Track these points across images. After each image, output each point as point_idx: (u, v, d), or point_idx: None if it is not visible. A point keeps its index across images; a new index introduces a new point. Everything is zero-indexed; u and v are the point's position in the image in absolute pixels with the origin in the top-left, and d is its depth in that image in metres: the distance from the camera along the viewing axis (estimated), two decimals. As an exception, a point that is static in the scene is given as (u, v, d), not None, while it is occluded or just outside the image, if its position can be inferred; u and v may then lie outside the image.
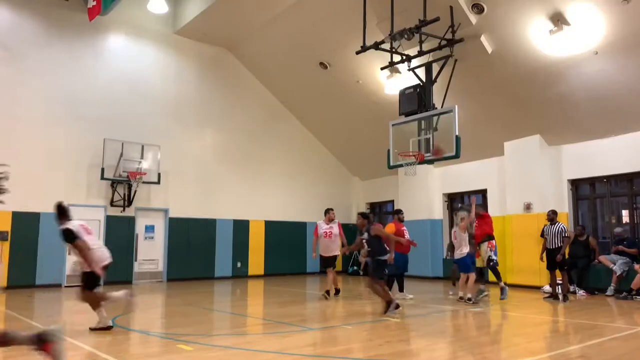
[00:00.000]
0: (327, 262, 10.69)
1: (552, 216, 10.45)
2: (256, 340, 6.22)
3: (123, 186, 13.63)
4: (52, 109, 12.95)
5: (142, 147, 13.82)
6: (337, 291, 10.83)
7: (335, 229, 10.72)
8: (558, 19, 9.83)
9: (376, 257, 8.21)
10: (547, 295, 10.56)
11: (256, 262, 16.15)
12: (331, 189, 18.27)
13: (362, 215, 8.74)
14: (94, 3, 12.43)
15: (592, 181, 12.26)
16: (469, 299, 9.43)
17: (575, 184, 12.54)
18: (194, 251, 14.81)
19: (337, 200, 18.44)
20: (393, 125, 11.14)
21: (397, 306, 8.11)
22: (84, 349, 5.60)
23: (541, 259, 10.79)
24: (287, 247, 16.83)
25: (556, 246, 10.10)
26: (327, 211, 10.94)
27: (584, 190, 12.57)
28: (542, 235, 10.71)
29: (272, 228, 16.59)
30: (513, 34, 10.67)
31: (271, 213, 16.68)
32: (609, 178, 11.88)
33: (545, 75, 11.03)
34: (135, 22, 14.50)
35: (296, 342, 6.04)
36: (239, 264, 15.73)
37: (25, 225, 12.26)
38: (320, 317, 8.67)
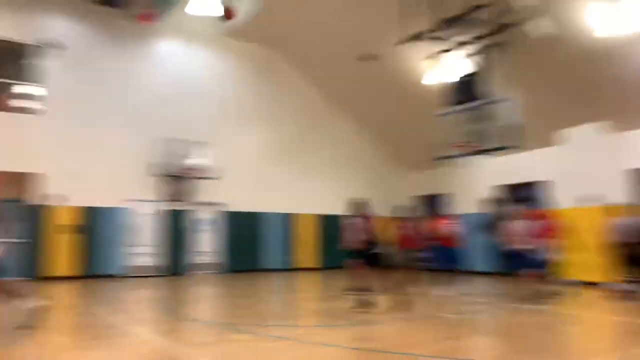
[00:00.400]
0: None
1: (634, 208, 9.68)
2: (310, 332, 6.29)
3: (178, 182, 14.14)
4: (113, 111, 13.70)
5: (197, 145, 14.31)
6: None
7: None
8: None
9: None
10: (625, 291, 9.79)
11: (307, 255, 16.37)
12: (381, 181, 18.21)
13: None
14: (147, 10, 13.00)
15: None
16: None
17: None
18: (248, 244, 15.22)
19: (387, 193, 18.39)
20: (440, 115, 10.91)
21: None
22: (143, 337, 5.89)
23: (614, 254, 9.85)
24: (338, 240, 16.88)
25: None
26: None
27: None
28: (614, 229, 9.64)
29: (323, 221, 16.75)
30: (570, 17, 10.21)
31: (321, 206, 16.83)
32: None
33: (607, 57, 10.43)
34: (188, 26, 14.98)
35: (352, 335, 6.05)
36: (288, 257, 15.96)
37: (96, 219, 12.99)
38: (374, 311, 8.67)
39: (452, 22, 9.62)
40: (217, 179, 14.35)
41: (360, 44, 14.07)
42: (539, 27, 10.53)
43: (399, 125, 16.43)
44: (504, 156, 13.74)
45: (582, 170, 12.12)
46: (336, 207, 17.07)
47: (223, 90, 15.59)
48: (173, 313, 7.66)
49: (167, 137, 13.93)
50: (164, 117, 14.25)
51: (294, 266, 16.01)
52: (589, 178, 11.98)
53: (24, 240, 12.37)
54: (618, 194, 11.62)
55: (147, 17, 13.11)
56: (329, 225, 16.77)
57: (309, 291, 11.85)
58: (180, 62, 15.00)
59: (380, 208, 15.36)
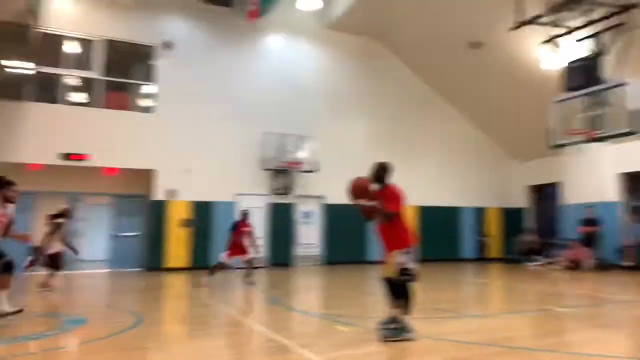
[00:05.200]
0: None
1: None
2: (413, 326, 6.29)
3: (283, 176, 14.63)
4: (220, 107, 14.36)
5: (300, 138, 14.70)
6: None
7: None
8: None
9: None
10: None
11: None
12: (487, 172, 17.55)
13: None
14: (254, 7, 13.55)
15: None
16: None
17: None
18: (349, 236, 15.34)
19: (495, 183, 17.66)
20: (557, 101, 10.35)
21: None
22: (246, 325, 6.21)
23: None
24: (442, 233, 16.58)
25: None
26: None
27: None
28: None
29: (426, 213, 16.44)
30: None
31: (425, 198, 16.52)
32: None
33: None
34: (290, 21, 15.40)
35: (454, 329, 6.00)
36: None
37: (203, 213, 13.83)
38: (479, 304, 8.47)
39: (569, 5, 9.00)
40: (316, 171, 14.62)
41: (471, 30, 13.57)
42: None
43: (511, 112, 15.62)
44: (628, 142, 12.72)
45: None
46: (441, 198, 16.79)
47: (326, 83, 15.83)
48: (282, 304, 7.98)
49: (273, 132, 14.43)
50: (270, 112, 14.77)
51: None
52: None
53: (137, 234, 13.60)
54: None
55: (255, 13, 13.67)
56: (434, 217, 16.44)
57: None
58: (285, 57, 15.43)
59: (491, 199, 14.89)
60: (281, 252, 14.62)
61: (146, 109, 14.13)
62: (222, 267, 9.92)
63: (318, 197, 15.26)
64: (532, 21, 10.07)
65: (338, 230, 15.22)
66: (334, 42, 15.96)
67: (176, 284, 11.11)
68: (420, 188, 16.46)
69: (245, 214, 10.30)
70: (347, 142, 15.69)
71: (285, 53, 15.48)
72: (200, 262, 13.06)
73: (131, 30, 13.75)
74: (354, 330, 5.78)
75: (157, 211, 13.39)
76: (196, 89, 14.16)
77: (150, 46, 13.93)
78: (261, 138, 14.35)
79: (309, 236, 15.23)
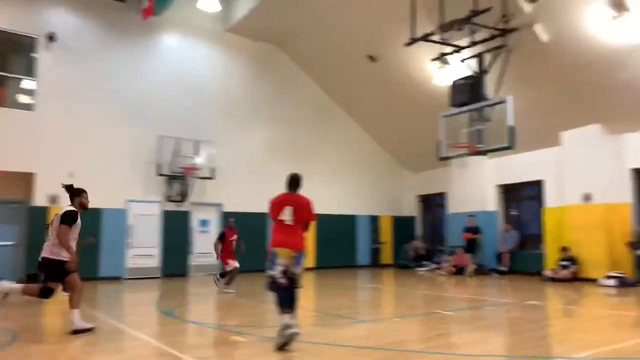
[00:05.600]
0: None
1: None
2: (307, 332, 6.32)
3: (178, 182, 14.10)
4: (110, 107, 13.49)
5: (196, 143, 14.23)
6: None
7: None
8: (618, 5, 9.36)
9: None
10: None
11: (310, 256, 16.30)
12: (381, 181, 18.26)
13: None
14: (148, 3, 12.95)
15: (657, 170, 11.65)
16: None
17: (639, 173, 11.94)
18: (247, 245, 15.08)
19: (388, 193, 18.41)
20: (444, 116, 11.03)
21: None
22: (142, 339, 5.87)
23: None
24: (338, 240, 16.92)
25: None
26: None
27: (648, 180, 11.96)
28: None
29: (322, 221, 16.66)
30: (570, 22, 10.26)
31: (321, 206, 16.71)
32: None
33: (605, 63, 10.53)
34: (188, 21, 14.93)
35: (347, 334, 6.10)
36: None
37: (88, 220, 12.88)
38: (371, 309, 8.72)
39: (456, 25, 9.68)
40: (214, 178, 14.28)
41: (369, 43, 14.02)
42: (538, 33, 10.58)
43: (404, 125, 16.36)
44: (506, 156, 13.91)
45: (585, 169, 12.23)
46: (338, 207, 17.14)
47: (225, 88, 15.50)
48: (176, 316, 7.65)
49: (169, 135, 13.84)
50: (166, 114, 14.17)
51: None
52: (591, 177, 12.09)
53: (13, 243, 12.37)
54: (620, 192, 11.83)
55: (150, 10, 13.06)
56: (330, 225, 16.74)
57: (308, 290, 11.83)
58: (182, 58, 14.86)
59: (384, 208, 15.40)
60: (176, 262, 14.04)
61: (26, 106, 12.90)
62: (232, 272, 10.37)
63: (215, 204, 14.89)
64: (424, 38, 10.66)
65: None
66: (234, 46, 15.73)
67: (59, 297, 10.21)
68: (317, 196, 16.63)
69: (231, 224, 10.79)
70: (245, 148, 15.50)
71: (183, 54, 14.93)
72: (88, 273, 12.15)
73: (10, 19, 12.50)
74: (250, 340, 5.67)
75: (36, 218, 12.23)
76: (83, 87, 13.17)
77: (32, 37, 12.74)
78: (156, 142, 13.69)
79: (206, 245, 14.76)
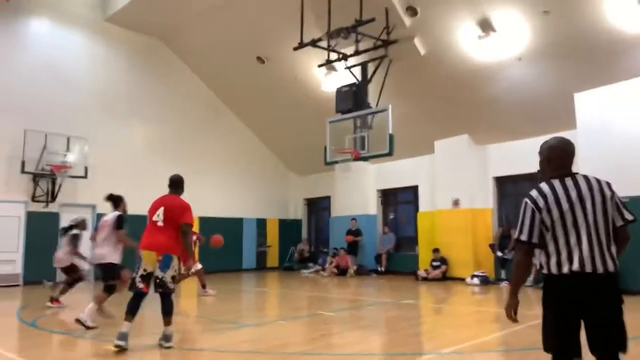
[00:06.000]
0: None
1: None
2: (190, 339, 6.13)
3: (46, 180, 12.91)
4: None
5: (68, 139, 13.14)
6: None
7: None
8: (486, 25, 10.32)
9: None
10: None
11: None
12: (268, 184, 18.24)
13: None
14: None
15: (515, 179, 12.96)
16: None
17: (499, 181, 13.22)
18: (127, 250, 14.27)
19: (275, 196, 18.45)
20: (330, 122, 11.32)
21: None
22: (2, 355, 5.30)
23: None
24: (224, 244, 16.56)
25: None
26: None
27: (507, 187, 13.27)
28: None
29: (208, 225, 16.27)
30: (444, 38, 11.06)
31: (206, 209, 16.37)
32: (531, 176, 12.58)
33: (474, 78, 11.52)
34: (61, 6, 13.74)
35: (232, 339, 6.01)
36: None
37: None
38: (255, 313, 8.67)
39: (343, 33, 10.00)
40: (88, 177, 13.31)
41: (258, 44, 13.90)
42: (417, 46, 11.30)
43: (292, 129, 16.50)
44: (386, 162, 14.66)
45: (455, 177, 13.24)
46: (224, 209, 16.82)
47: (103, 81, 14.43)
48: (41, 326, 6.99)
49: (37, 130, 12.57)
50: (34, 107, 12.87)
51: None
52: (460, 184, 13.11)
53: None
54: (484, 199, 13.01)
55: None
56: (215, 228, 16.37)
57: (191, 296, 11.48)
58: (54, 46, 13.56)
59: (271, 210, 15.42)
60: (42, 268, 12.79)
61: None
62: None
63: (89, 205, 13.86)
64: (312, 44, 10.86)
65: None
66: (115, 37, 14.74)
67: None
68: (202, 198, 16.27)
69: None
70: (124, 146, 14.59)
71: (54, 42, 13.64)
72: None
73: None
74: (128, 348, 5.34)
75: None
76: None
77: None
78: (19, 135, 12.36)
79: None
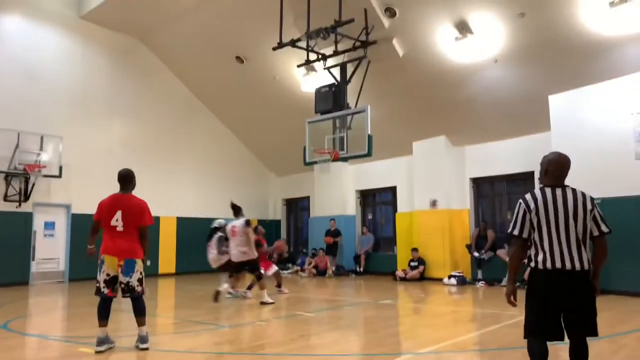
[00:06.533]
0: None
1: None
2: (166, 341, 6.06)
3: (19, 180, 12.63)
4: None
5: (42, 138, 12.88)
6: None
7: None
8: (463, 27, 10.44)
9: None
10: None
11: (167, 260, 15.63)
12: (247, 184, 18.13)
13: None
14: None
15: (491, 180, 13.14)
16: None
17: (476, 182, 13.39)
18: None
19: (254, 196, 18.35)
20: (309, 122, 11.32)
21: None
22: (-27, 357, 5.17)
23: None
24: (201, 245, 16.38)
25: None
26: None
27: (484, 188, 13.45)
28: None
29: (185, 225, 16.13)
30: (422, 39, 11.16)
31: (184, 209, 16.22)
32: (507, 177, 12.79)
33: (451, 80, 11.65)
34: (34, 2, 13.45)
35: (209, 340, 5.96)
36: (148, 263, 15.12)
37: None
38: (233, 314, 8.60)
39: (322, 33, 10.00)
40: (62, 177, 13.07)
41: (237, 43, 13.79)
42: (396, 47, 11.37)
43: (271, 129, 16.44)
44: (364, 163, 14.72)
45: (432, 177, 13.35)
46: (201, 209, 16.66)
47: (77, 79, 14.15)
48: (13, 329, 6.83)
49: (7, 128, 12.30)
50: (4, 104, 12.59)
51: (154, 272, 15.18)
52: (437, 185, 13.23)
53: None
54: (461, 199, 13.16)
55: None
56: (193, 228, 16.23)
57: (168, 297, 11.36)
58: (26, 43, 13.25)
59: (249, 211, 14.94)
60: (13, 269, 12.53)
61: None
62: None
63: (63, 205, 13.61)
64: (291, 44, 10.85)
65: (85, 243, 13.76)
66: (91, 35, 14.47)
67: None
68: (179, 198, 16.12)
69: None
70: (100, 145, 14.35)
71: (27, 39, 13.31)
72: None
73: None
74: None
75: None
76: None
77: None
78: (-8, 134, 12.12)
79: (51, 250, 13.43)
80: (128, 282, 5.15)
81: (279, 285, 10.67)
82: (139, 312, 5.26)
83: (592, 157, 9.74)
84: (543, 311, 3.19)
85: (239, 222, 8.97)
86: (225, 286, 8.91)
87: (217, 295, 8.65)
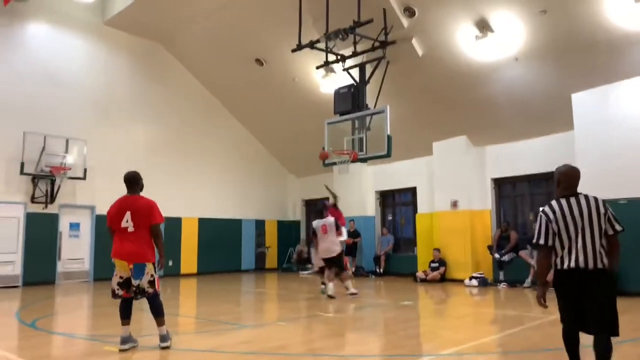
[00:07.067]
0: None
1: None
2: (188, 340, 6.14)
3: (45, 182, 12.93)
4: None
5: (67, 141, 13.17)
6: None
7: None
8: (483, 26, 10.34)
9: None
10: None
11: (189, 260, 15.83)
12: (267, 185, 18.26)
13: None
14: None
15: (513, 180, 12.98)
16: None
17: (498, 182, 13.24)
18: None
19: (273, 197, 18.47)
20: (328, 123, 11.32)
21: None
22: (2, 355, 5.31)
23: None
24: (222, 245, 16.63)
25: None
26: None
27: (505, 188, 13.29)
28: None
29: (206, 225, 16.32)
30: (442, 38, 11.09)
31: (205, 210, 16.40)
32: (529, 178, 12.62)
33: (471, 79, 11.54)
34: (60, 10, 13.76)
35: (230, 340, 6.02)
36: (170, 262, 15.35)
37: None
38: (254, 314, 8.68)
39: (341, 34, 10.02)
40: (86, 179, 13.33)
41: (257, 46, 13.92)
42: (415, 47, 11.32)
43: (291, 130, 16.50)
44: (384, 164, 14.67)
45: (453, 178, 13.24)
46: (223, 210, 16.83)
47: (101, 84, 14.47)
48: (41, 327, 7.00)
49: (36, 132, 12.62)
50: (33, 109, 12.92)
51: (176, 272, 15.39)
52: (458, 185, 13.12)
53: None
54: (482, 200, 13.03)
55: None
56: (214, 229, 16.41)
57: (190, 296, 11.50)
58: (53, 49, 13.61)
59: (269, 212, 15.14)
60: (41, 269, 12.84)
61: None
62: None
63: (87, 207, 13.88)
64: (310, 46, 10.88)
65: (110, 244, 14.01)
66: (114, 40, 14.78)
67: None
68: (201, 199, 16.31)
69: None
70: (123, 148, 14.60)
71: (53, 46, 13.66)
72: None
73: None
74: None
75: None
76: None
77: None
78: (18, 137, 12.39)
79: (76, 251, 13.70)
80: (139, 285, 5.16)
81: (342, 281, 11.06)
82: (155, 312, 5.28)
83: (618, 157, 9.56)
84: (566, 305, 3.67)
85: (329, 220, 9.68)
86: (330, 286, 9.37)
87: (331, 297, 9.26)
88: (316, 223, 9.88)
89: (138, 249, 5.17)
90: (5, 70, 12.79)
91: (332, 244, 9.47)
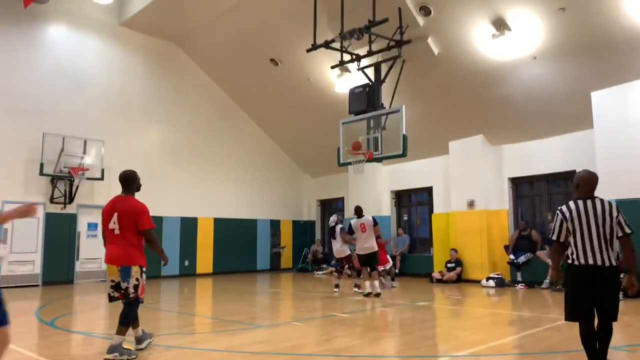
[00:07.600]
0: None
1: None
2: (204, 339, 6.17)
3: (64, 182, 13.12)
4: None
5: (85, 142, 13.35)
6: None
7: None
8: (500, 24, 10.23)
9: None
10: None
11: (205, 260, 15.93)
12: (282, 185, 18.29)
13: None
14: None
15: (531, 180, 12.82)
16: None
17: (515, 182, 13.08)
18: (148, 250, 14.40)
19: (288, 197, 18.50)
20: (343, 123, 11.31)
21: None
22: (21, 352, 5.39)
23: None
24: (237, 245, 16.70)
25: None
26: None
27: (523, 188, 13.14)
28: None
29: (222, 225, 16.40)
30: (458, 37, 10.99)
31: (220, 210, 16.49)
32: (547, 177, 12.46)
33: (488, 78, 11.43)
34: (78, 11, 13.96)
35: (245, 340, 6.03)
36: (186, 262, 15.46)
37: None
38: (269, 314, 8.69)
39: (356, 34, 9.98)
40: (104, 179, 13.47)
41: (271, 46, 13.96)
42: (431, 46, 11.24)
43: (306, 130, 16.52)
44: (399, 163, 14.59)
45: (469, 177, 13.12)
46: (238, 210, 16.91)
47: (118, 84, 14.65)
48: (60, 325, 7.09)
49: (55, 133, 12.82)
50: (52, 110, 13.14)
51: (191, 272, 15.49)
52: (475, 185, 12.99)
53: None
54: (499, 200, 12.88)
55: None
56: (229, 229, 16.49)
57: (206, 296, 11.56)
58: (70, 51, 13.84)
59: (284, 212, 15.02)
60: (60, 269, 13.03)
61: None
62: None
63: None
64: (325, 45, 10.87)
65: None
66: (130, 41, 14.94)
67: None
68: (216, 200, 16.40)
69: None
70: (139, 148, 14.75)
71: (72, 47, 13.90)
72: None
73: None
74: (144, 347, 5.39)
75: None
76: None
77: None
78: (37, 138, 12.60)
79: (94, 250, 13.85)
80: (127, 288, 5.01)
81: (392, 279, 12.20)
82: (124, 319, 5.04)
83: (637, 156, 9.38)
84: (578, 297, 3.98)
85: (368, 220, 10.04)
86: (367, 284, 9.86)
87: (369, 294, 9.76)
88: (355, 222, 10.17)
89: (123, 252, 4.99)
90: (26, 72, 13.01)
91: (371, 241, 9.88)
